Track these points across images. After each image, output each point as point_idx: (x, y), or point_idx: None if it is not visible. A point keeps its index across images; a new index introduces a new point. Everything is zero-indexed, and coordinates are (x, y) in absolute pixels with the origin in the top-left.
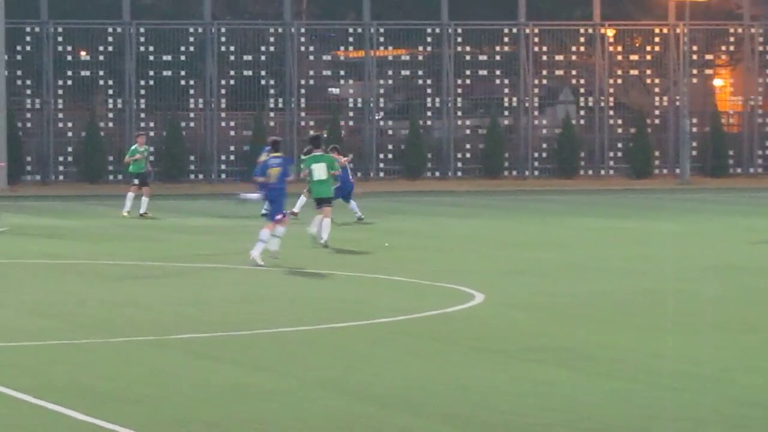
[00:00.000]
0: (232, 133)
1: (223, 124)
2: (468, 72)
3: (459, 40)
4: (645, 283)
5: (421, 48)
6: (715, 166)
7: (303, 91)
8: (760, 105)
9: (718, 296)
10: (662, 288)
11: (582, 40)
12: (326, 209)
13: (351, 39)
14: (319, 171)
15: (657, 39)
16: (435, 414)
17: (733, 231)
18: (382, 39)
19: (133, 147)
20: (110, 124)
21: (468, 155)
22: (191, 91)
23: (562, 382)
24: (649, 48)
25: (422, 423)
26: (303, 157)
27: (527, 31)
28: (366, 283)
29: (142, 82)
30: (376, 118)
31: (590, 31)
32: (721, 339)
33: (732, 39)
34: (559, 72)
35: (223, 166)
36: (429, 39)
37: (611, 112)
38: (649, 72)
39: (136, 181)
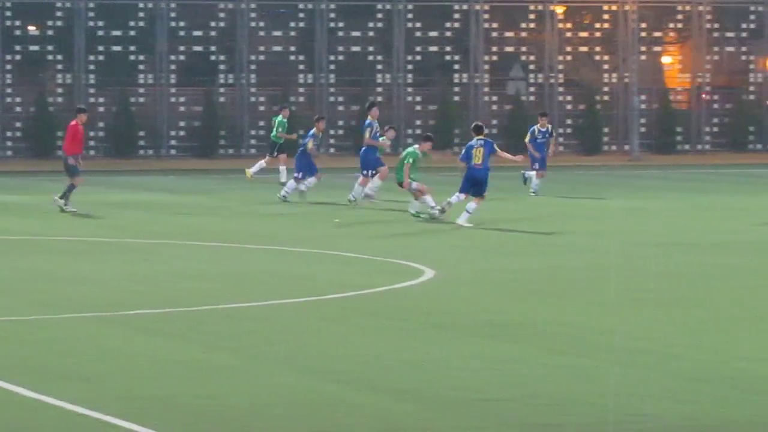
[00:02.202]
0: (182, 108)
1: (173, 99)
2: (419, 48)
3: (409, 16)
4: (595, 259)
5: (371, 24)
6: (664, 143)
7: (254, 67)
8: (708, 82)
9: (667, 272)
10: (612, 264)
11: (532, 17)
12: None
13: (302, 15)
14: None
15: (606, 16)
16: (386, 390)
17: (681, 208)
18: (333, 15)
19: (280, 119)
20: (59, 99)
21: (418, 131)
22: (141, 67)
23: (512, 357)
24: (598, 25)
25: (374, 399)
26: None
27: (477, 7)
28: (316, 259)
29: (92, 57)
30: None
31: (540, 8)
32: (669, 315)
33: (680, 16)
34: (509, 49)
35: (173, 142)
36: (380, 15)
37: (561, 89)
38: (598, 49)
39: (276, 153)
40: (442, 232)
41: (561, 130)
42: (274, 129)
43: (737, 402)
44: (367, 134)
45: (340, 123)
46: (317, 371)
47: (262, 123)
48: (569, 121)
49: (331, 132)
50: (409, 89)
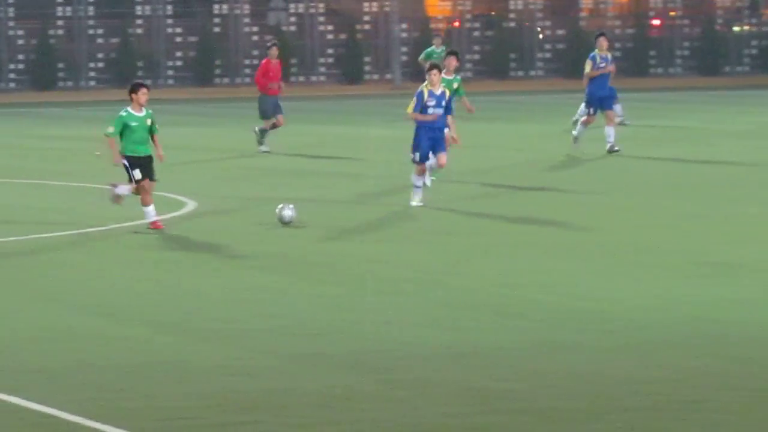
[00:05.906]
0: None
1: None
2: None
3: None
4: (357, 188)
5: None
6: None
7: (11, 1)
8: (468, 10)
9: (425, 204)
10: (374, 194)
11: None
12: None
13: None
14: None
15: None
16: (141, 321)
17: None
18: None
19: (430, 48)
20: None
21: (179, 63)
22: None
23: (274, 287)
24: None
25: (130, 330)
26: None
27: None
28: (77, 192)
29: None
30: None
31: None
32: (429, 244)
33: None
34: None
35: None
36: None
37: (322, 19)
38: None
39: None
40: (203, 163)
41: (322, 60)
42: None
43: (497, 328)
44: (588, 67)
45: (100, 56)
46: (80, 306)
47: (21, 56)
48: (330, 51)
49: (91, 65)
50: (169, 21)
